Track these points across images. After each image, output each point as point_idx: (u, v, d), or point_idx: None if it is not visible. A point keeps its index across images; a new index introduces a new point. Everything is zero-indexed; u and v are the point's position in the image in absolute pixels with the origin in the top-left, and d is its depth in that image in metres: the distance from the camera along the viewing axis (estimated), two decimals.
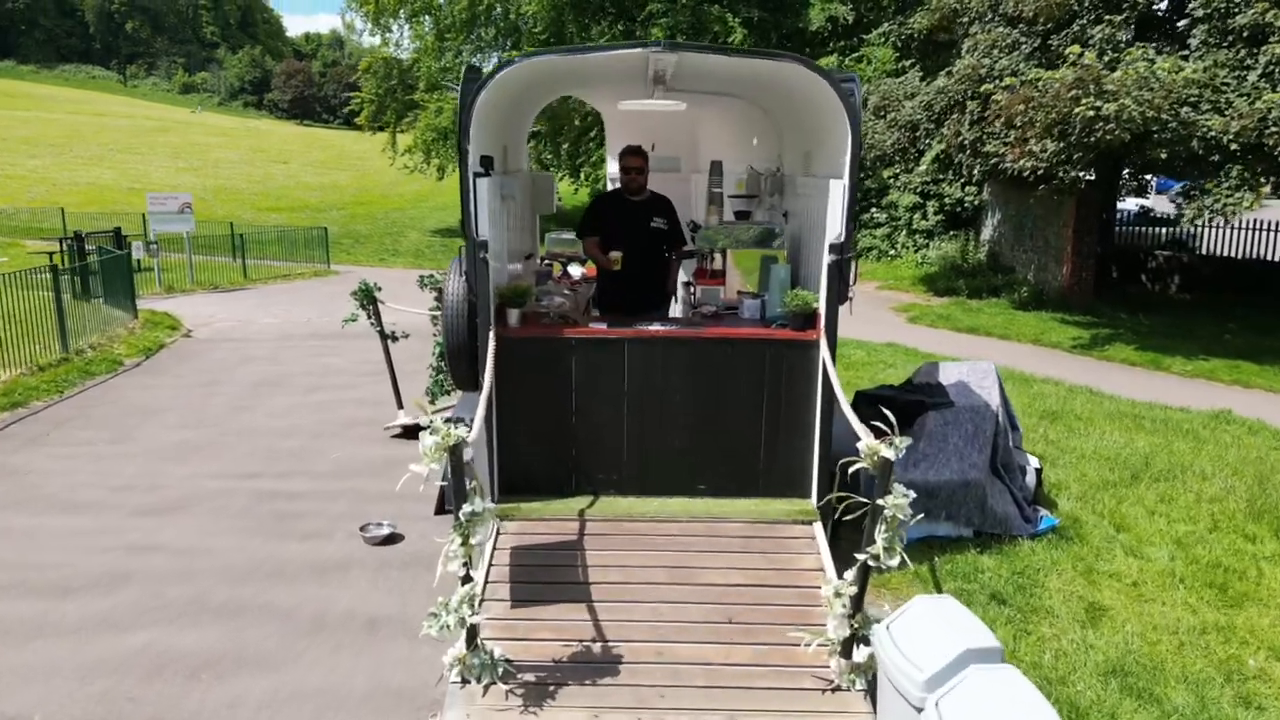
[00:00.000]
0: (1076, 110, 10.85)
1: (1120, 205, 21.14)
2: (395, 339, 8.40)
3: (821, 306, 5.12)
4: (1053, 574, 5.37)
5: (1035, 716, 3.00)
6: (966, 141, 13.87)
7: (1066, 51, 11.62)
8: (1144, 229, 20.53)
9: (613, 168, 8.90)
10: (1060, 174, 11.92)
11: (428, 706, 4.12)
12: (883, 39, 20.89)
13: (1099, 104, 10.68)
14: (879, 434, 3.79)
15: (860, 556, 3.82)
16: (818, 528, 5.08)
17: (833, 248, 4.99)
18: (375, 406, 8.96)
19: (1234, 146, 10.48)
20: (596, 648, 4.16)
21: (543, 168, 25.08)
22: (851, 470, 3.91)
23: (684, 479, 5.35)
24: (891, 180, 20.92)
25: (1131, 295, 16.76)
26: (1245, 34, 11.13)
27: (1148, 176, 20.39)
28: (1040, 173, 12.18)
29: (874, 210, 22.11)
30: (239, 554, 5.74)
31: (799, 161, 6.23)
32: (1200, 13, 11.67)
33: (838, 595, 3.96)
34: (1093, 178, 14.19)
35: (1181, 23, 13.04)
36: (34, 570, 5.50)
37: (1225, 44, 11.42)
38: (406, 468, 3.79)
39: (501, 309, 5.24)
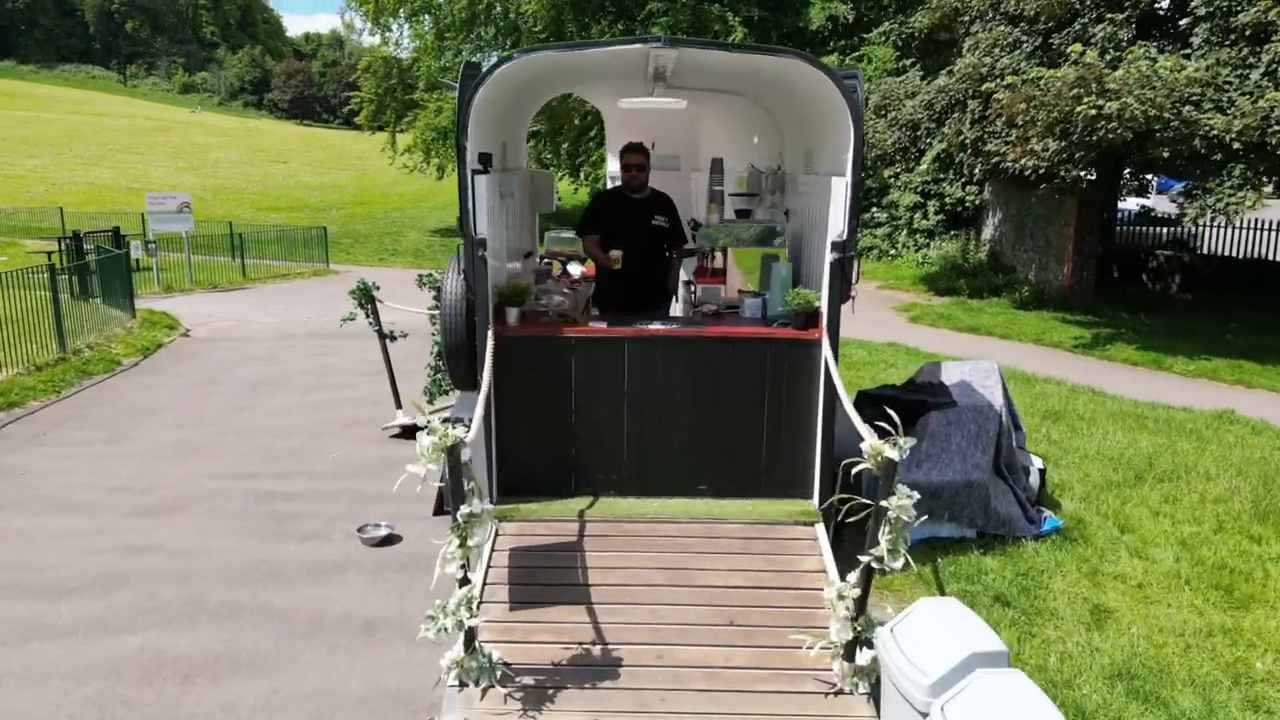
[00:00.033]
0: (1078, 109, 10.80)
1: (1121, 205, 21.11)
2: (394, 338, 8.36)
3: (823, 305, 5.08)
4: (1057, 575, 5.33)
5: None
6: (967, 141, 13.83)
7: (1068, 50, 11.57)
8: (1145, 229, 20.51)
9: (613, 166, 8.86)
10: (1061, 173, 11.87)
11: (425, 710, 4.08)
12: (883, 38, 20.87)
13: (1101, 103, 10.63)
14: (883, 434, 3.75)
15: (863, 558, 3.78)
16: (819, 529, 5.04)
17: (835, 246, 4.95)
18: (374, 406, 8.92)
19: (1236, 145, 10.43)
20: (596, 650, 4.11)
21: (542, 167, 25.05)
22: (854, 471, 3.87)
23: (684, 479, 5.30)
24: (892, 180, 20.88)
25: (1132, 295, 16.72)
26: (1247, 32, 11.09)
27: (1149, 176, 20.37)
28: (1041, 172, 12.13)
29: (875, 210, 22.08)
30: (236, 555, 5.69)
31: (800, 159, 6.19)
32: (1202, 11, 11.63)
33: (840, 597, 3.92)
34: (1094, 177, 14.13)
35: (1183, 21, 12.99)
36: (29, 571, 5.46)
37: (1227, 43, 11.38)
38: (404, 468, 3.75)
39: (500, 307, 5.20)
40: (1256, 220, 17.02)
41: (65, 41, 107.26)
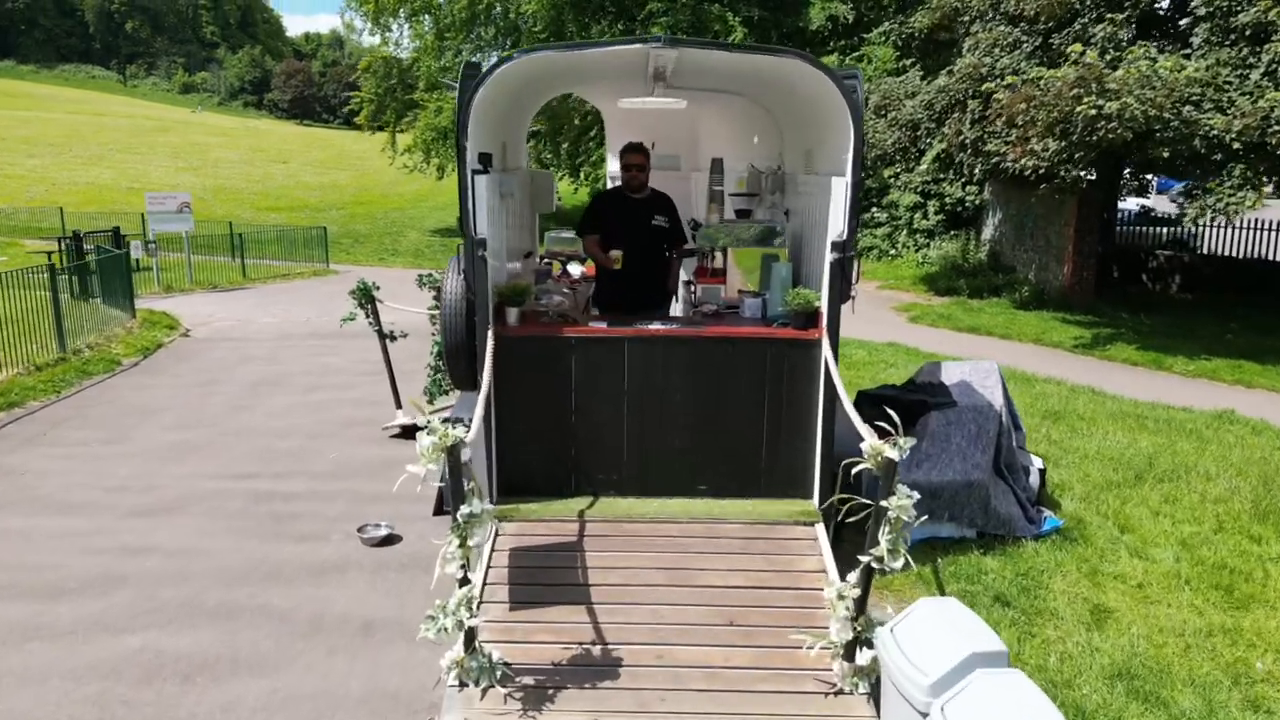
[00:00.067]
0: (1078, 109, 10.80)
1: (1121, 205, 21.10)
2: (394, 338, 8.36)
3: (824, 305, 5.08)
4: (1057, 575, 5.32)
5: None
6: (967, 140, 13.83)
7: (1068, 50, 11.57)
8: (1145, 229, 20.51)
9: (613, 166, 8.86)
10: (1061, 173, 11.87)
11: (425, 710, 4.07)
12: (883, 38, 20.87)
13: (1101, 103, 10.63)
14: (883, 434, 3.74)
15: (863, 558, 3.77)
16: (819, 529, 5.04)
17: (835, 245, 4.94)
18: (373, 406, 8.91)
19: (1236, 145, 10.43)
20: (596, 650, 4.11)
21: (542, 167, 25.05)
22: (854, 471, 3.86)
23: (684, 479, 5.30)
24: (892, 180, 20.88)
25: (1132, 295, 16.71)
26: (1248, 32, 11.09)
27: (1149, 176, 20.35)
28: (1041, 172, 12.13)
29: (875, 210, 22.08)
30: (235, 555, 5.69)
31: (800, 159, 6.19)
32: (1202, 11, 11.63)
33: (840, 597, 3.92)
34: (1094, 177, 14.13)
35: (1183, 21, 12.99)
36: (28, 571, 5.46)
37: (1227, 43, 11.37)
38: (404, 468, 3.74)
39: (500, 307, 5.20)
40: (1256, 220, 17.01)
41: (65, 41, 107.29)
